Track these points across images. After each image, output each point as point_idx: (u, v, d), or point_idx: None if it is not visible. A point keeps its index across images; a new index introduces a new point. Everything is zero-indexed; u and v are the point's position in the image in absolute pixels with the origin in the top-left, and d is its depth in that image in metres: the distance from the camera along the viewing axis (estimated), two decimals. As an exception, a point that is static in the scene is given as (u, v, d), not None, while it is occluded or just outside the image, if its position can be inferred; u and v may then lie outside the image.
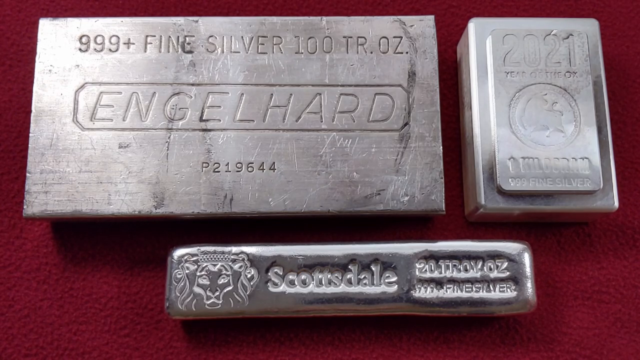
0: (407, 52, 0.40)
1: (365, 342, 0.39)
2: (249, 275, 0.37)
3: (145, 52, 0.40)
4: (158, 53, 0.40)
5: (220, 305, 0.37)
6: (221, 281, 0.37)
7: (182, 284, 0.37)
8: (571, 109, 0.39)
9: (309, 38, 0.40)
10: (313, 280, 0.37)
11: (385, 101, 0.40)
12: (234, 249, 0.38)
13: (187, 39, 0.40)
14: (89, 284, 0.40)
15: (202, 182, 0.38)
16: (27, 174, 0.38)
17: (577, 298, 0.40)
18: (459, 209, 0.41)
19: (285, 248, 0.38)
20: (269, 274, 0.37)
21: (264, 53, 0.40)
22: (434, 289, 0.37)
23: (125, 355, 0.39)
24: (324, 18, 0.41)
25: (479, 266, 0.37)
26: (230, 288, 0.37)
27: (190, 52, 0.40)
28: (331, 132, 0.39)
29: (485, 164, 0.39)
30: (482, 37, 0.40)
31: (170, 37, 0.40)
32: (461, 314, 0.37)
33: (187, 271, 0.37)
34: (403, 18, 0.41)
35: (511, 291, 0.37)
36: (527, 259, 0.38)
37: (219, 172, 0.39)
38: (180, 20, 0.41)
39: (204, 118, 0.39)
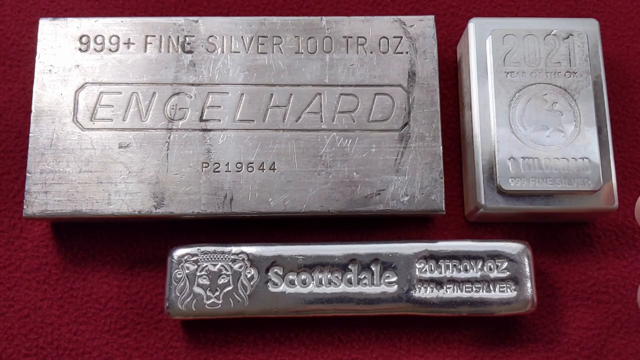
0: (407, 52, 0.40)
1: (365, 342, 0.39)
2: (249, 275, 0.37)
3: (145, 52, 0.40)
4: (158, 53, 0.40)
5: (220, 305, 0.37)
6: (221, 281, 0.37)
7: (182, 284, 0.37)
8: (571, 109, 0.39)
9: (309, 38, 0.40)
10: (313, 280, 0.37)
11: (385, 101, 0.40)
12: (234, 249, 0.38)
13: (187, 39, 0.40)
14: (89, 284, 0.40)
15: (202, 182, 0.38)
16: (27, 174, 0.38)
17: (576, 298, 0.40)
18: (459, 209, 0.41)
19: (285, 248, 0.38)
20: (269, 274, 0.37)
21: (264, 53, 0.40)
22: (434, 289, 0.37)
23: (125, 355, 0.39)
24: (324, 18, 0.41)
25: (479, 266, 0.37)
26: (230, 288, 0.37)
27: (190, 52, 0.40)
28: (331, 132, 0.39)
29: (485, 164, 0.39)
30: (482, 37, 0.40)
31: (170, 37, 0.40)
32: (461, 314, 0.37)
33: (187, 271, 0.37)
34: (403, 18, 0.41)
35: (511, 291, 0.37)
36: (527, 259, 0.37)
37: (219, 172, 0.39)
38: (180, 20, 0.41)
39: (204, 118, 0.39)
